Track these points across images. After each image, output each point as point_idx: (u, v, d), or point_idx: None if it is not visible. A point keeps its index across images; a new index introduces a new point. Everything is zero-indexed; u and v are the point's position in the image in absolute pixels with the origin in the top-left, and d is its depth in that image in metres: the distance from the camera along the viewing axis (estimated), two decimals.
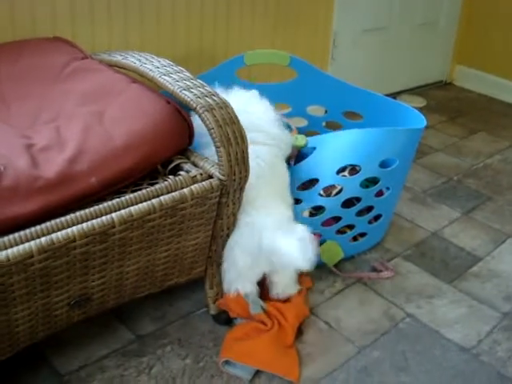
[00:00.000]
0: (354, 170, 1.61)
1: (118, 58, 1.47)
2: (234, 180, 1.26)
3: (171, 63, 1.39)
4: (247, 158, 1.26)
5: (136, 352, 1.39)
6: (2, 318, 1.04)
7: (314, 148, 1.61)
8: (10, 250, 0.97)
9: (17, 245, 0.98)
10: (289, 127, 1.89)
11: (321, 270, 1.67)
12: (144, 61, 1.40)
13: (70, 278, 1.09)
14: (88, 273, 1.12)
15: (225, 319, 1.46)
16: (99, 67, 1.44)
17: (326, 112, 2.03)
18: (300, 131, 2.03)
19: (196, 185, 1.21)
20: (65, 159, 1.13)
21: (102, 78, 1.39)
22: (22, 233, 1.00)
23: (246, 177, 1.29)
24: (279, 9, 2.24)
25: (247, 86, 1.94)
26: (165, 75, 1.32)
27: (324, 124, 2.07)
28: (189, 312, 1.52)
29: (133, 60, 1.42)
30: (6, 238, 0.98)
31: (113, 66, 1.47)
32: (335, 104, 1.97)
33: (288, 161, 1.68)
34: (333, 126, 2.03)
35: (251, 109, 1.52)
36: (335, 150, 1.58)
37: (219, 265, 1.41)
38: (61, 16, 1.69)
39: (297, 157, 1.67)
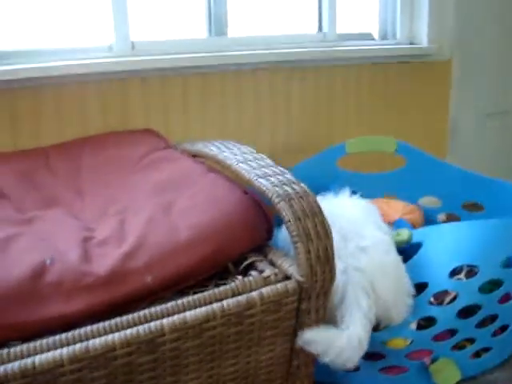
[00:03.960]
0: (471, 271, 1.34)
1: (199, 146, 1.38)
2: (316, 282, 1.06)
3: (252, 150, 1.27)
4: (332, 255, 1.07)
5: None
6: None
7: (421, 244, 1.38)
8: (37, 357, 0.84)
9: (47, 351, 0.86)
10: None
11: None
12: (224, 148, 1.29)
13: None
14: None
15: None
16: (178, 157, 1.36)
17: (441, 203, 1.78)
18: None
19: (268, 287, 1.03)
20: (120, 254, 1.01)
21: (178, 168, 1.30)
22: (54, 338, 0.87)
23: (332, 278, 1.08)
24: (388, 92, 2.08)
25: (349, 176, 1.78)
26: (242, 163, 1.19)
27: (440, 217, 1.82)
28: None
29: (212, 148, 1.32)
30: (36, 343, 0.86)
31: (194, 155, 1.38)
32: (452, 194, 1.73)
33: None
34: (450, 219, 1.76)
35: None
36: (447, 246, 1.34)
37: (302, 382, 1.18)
38: (154, 107, 1.66)
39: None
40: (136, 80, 1.63)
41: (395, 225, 1.62)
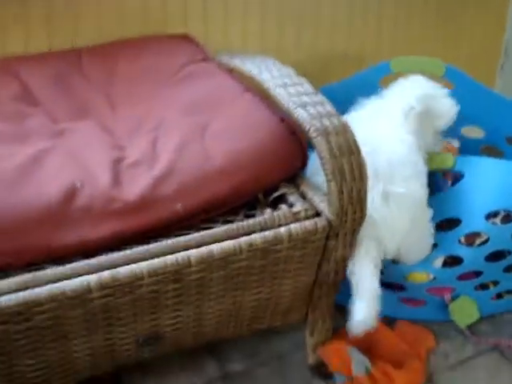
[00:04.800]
0: (508, 216, 1.30)
1: (237, 62, 1.31)
2: (346, 222, 1.04)
3: (292, 73, 1.20)
4: (365, 196, 1.04)
5: None
6: (60, 350, 0.95)
7: (462, 175, 1.33)
8: (66, 283, 0.86)
9: (75, 277, 0.88)
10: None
11: (449, 326, 1.39)
12: (263, 68, 1.23)
13: (136, 316, 0.97)
14: (158, 311, 0.99)
15: (323, 373, 1.26)
16: (215, 71, 1.30)
17: (484, 135, 1.70)
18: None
19: (297, 224, 1.02)
20: (151, 179, 1.00)
21: (214, 85, 1.25)
22: (81, 263, 0.89)
23: (362, 218, 1.07)
24: (441, 8, 1.93)
25: None
26: (280, 87, 1.14)
27: (482, 148, 1.75)
28: (285, 354, 1.33)
29: (251, 67, 1.25)
30: (63, 268, 0.88)
31: (231, 70, 1.32)
32: (497, 126, 1.64)
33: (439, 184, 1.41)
34: (492, 152, 1.70)
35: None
36: (488, 185, 1.28)
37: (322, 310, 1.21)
38: (193, 11, 1.57)
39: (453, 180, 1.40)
40: None
41: None
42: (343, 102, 1.64)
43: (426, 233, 1.26)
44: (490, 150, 1.70)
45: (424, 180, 1.24)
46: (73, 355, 0.97)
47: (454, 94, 1.66)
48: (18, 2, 1.38)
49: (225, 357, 1.32)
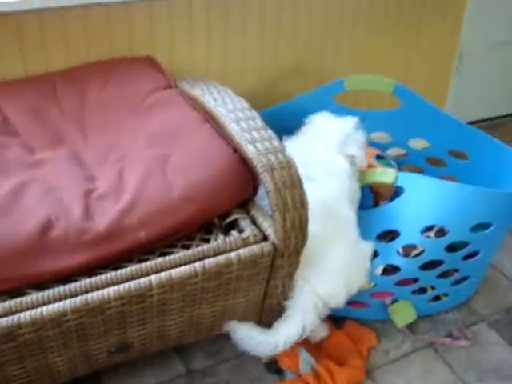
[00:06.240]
0: (441, 230, 1.47)
1: (197, 92, 1.45)
2: (289, 245, 1.20)
3: (246, 107, 1.34)
4: (306, 223, 1.20)
5: None
6: (41, 362, 1.10)
7: (402, 189, 1.48)
8: (44, 308, 1.01)
9: (53, 302, 1.02)
10: (390, 165, 1.78)
11: (391, 325, 1.56)
12: (219, 102, 1.37)
13: (106, 332, 1.12)
14: (126, 327, 1.14)
15: (275, 369, 1.44)
16: (178, 101, 1.42)
17: (429, 147, 1.86)
18: (399, 163, 1.90)
19: (245, 249, 1.17)
20: (118, 211, 1.14)
21: (177, 115, 1.38)
22: (57, 289, 1.04)
23: (304, 241, 1.22)
24: (399, 24, 2.06)
25: (346, 112, 1.83)
26: (234, 122, 1.28)
27: (427, 158, 1.90)
28: (243, 352, 1.50)
29: (209, 99, 1.39)
30: (42, 295, 1.03)
31: (192, 98, 1.45)
32: (440, 139, 1.80)
33: (376, 200, 1.58)
34: (435, 163, 1.86)
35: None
36: (426, 201, 1.43)
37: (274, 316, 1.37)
38: (159, 33, 1.68)
39: (392, 196, 1.55)
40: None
41: None
42: (300, 115, 1.79)
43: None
44: (433, 160, 1.86)
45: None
46: (53, 364, 1.12)
47: (402, 110, 1.82)
48: None
49: (189, 355, 1.48)
